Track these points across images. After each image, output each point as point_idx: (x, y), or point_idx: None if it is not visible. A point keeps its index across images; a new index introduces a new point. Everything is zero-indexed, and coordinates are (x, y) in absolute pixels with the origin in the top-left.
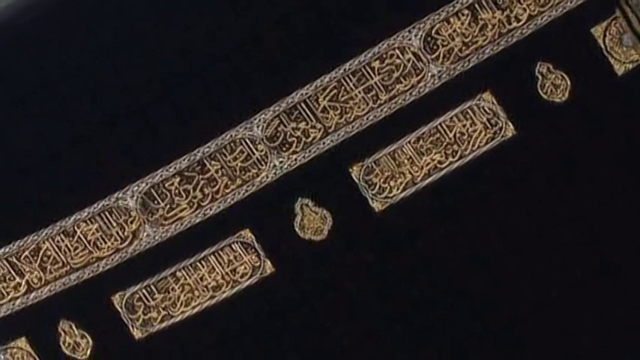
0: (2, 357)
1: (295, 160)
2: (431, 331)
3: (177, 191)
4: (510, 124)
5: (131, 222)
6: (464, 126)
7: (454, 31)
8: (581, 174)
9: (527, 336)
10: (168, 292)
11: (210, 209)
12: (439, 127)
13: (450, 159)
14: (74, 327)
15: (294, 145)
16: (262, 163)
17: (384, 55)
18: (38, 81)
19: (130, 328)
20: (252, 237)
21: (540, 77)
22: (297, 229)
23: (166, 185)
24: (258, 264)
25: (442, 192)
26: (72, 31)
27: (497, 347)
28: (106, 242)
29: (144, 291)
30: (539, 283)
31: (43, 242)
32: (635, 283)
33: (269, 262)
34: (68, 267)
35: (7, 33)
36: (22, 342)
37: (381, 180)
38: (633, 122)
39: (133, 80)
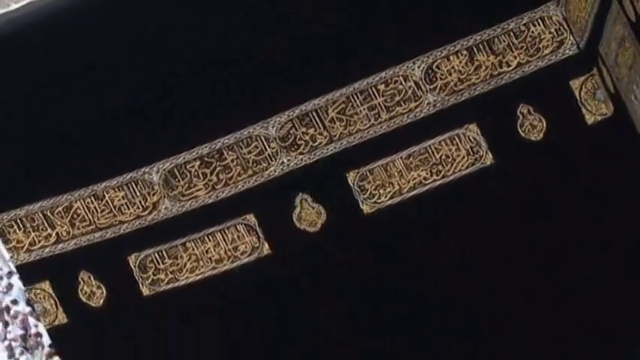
0: (27, 295)
1: (301, 160)
2: (407, 324)
3: (196, 173)
4: (490, 153)
5: (153, 194)
6: (449, 150)
7: (452, 67)
8: (546, 203)
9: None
10: (177, 259)
11: (223, 192)
12: (428, 148)
13: (434, 177)
14: (92, 278)
15: (302, 147)
16: (272, 158)
17: (389, 80)
18: (85, 61)
19: (140, 285)
20: (256, 221)
21: (521, 117)
22: (294, 220)
23: (187, 167)
24: (258, 245)
25: (424, 204)
26: (122, 20)
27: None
28: (129, 209)
29: (156, 255)
30: (500, 292)
31: (75, 202)
32: (593, 296)
33: (267, 245)
34: (94, 226)
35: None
36: (45, 285)
37: (373, 187)
38: (596, 166)
39: (172, 75)
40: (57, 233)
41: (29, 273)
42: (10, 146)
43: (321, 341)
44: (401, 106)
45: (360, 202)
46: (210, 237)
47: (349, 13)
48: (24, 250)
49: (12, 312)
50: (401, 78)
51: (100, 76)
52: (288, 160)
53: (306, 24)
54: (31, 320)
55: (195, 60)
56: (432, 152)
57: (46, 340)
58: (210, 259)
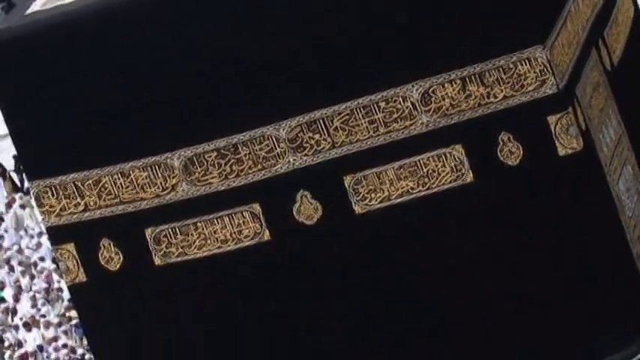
0: (53, 254)
1: (305, 160)
2: (384, 310)
3: (212, 163)
4: (471, 172)
5: (173, 177)
6: (436, 166)
7: (446, 94)
8: (516, 220)
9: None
10: (188, 236)
11: (234, 182)
12: (418, 162)
13: (420, 188)
14: (112, 245)
15: (307, 149)
16: (280, 157)
17: (390, 99)
18: (127, 53)
19: (153, 255)
20: (260, 210)
21: (501, 143)
22: (294, 212)
23: (205, 156)
24: (260, 231)
25: (409, 210)
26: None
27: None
28: (150, 188)
29: (170, 231)
30: (463, 287)
31: (104, 177)
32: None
33: (268, 232)
34: (118, 199)
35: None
36: (70, 246)
37: (365, 191)
38: (563, 193)
39: (201, 76)
40: (85, 203)
41: (57, 235)
42: (53, 122)
43: (310, 319)
44: (397, 122)
45: (353, 203)
46: (218, 220)
47: (360, 35)
48: (55, 214)
49: (39, 267)
50: (400, 98)
51: (138, 69)
52: (294, 159)
53: (322, 42)
54: (55, 276)
55: (221, 65)
56: (421, 166)
57: (66, 295)
58: (216, 239)
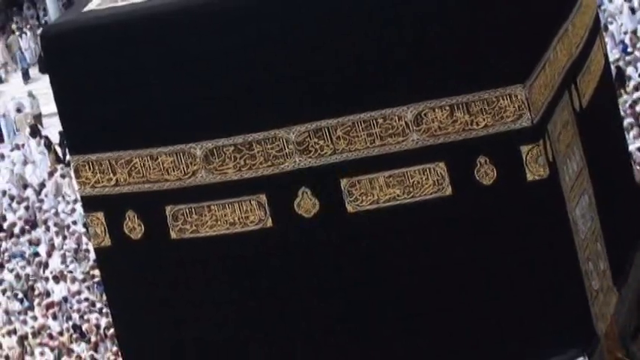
0: (84, 220)
1: (309, 162)
2: (363, 298)
3: (229, 156)
4: (450, 187)
5: (194, 164)
6: (421, 178)
7: (435, 117)
8: (482, 231)
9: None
10: (202, 216)
11: (246, 174)
12: (405, 173)
13: (405, 196)
14: (136, 217)
15: (312, 152)
16: (288, 157)
17: (387, 117)
18: (169, 58)
19: (170, 229)
20: (266, 200)
21: (479, 165)
22: (295, 206)
23: (224, 149)
24: (264, 218)
25: (394, 214)
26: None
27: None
28: (174, 171)
29: (186, 210)
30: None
31: (135, 158)
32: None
33: (271, 220)
34: (145, 178)
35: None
36: (100, 215)
37: (358, 193)
38: (528, 214)
39: (227, 83)
40: (116, 178)
41: (89, 203)
42: (96, 106)
43: (302, 299)
44: (391, 137)
45: (347, 203)
46: (229, 205)
47: (368, 61)
48: (89, 185)
49: (71, 229)
50: (396, 117)
51: (173, 70)
52: (300, 160)
53: (335, 63)
54: (84, 239)
55: (246, 74)
56: (408, 177)
57: (92, 255)
58: (226, 221)
